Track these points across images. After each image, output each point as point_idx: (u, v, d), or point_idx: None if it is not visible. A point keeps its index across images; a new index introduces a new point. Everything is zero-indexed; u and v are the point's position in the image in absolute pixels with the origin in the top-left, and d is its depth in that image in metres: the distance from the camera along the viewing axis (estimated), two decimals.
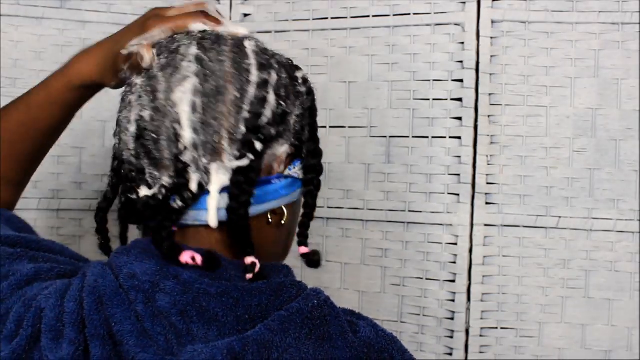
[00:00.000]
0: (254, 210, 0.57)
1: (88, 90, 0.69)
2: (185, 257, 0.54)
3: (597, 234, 0.99)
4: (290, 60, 0.63)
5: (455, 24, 1.03)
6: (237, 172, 0.55)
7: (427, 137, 1.04)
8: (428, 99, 1.04)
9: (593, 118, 0.99)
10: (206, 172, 0.55)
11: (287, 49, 1.10)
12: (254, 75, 0.56)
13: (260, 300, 0.53)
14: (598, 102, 0.99)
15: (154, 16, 0.62)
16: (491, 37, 1.01)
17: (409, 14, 1.05)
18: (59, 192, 1.09)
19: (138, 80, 0.57)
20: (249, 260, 0.56)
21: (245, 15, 1.13)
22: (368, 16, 1.07)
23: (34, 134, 0.70)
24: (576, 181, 1.00)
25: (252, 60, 0.57)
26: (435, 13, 1.04)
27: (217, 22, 0.60)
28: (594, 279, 1.00)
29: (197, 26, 0.59)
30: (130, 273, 0.54)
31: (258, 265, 0.56)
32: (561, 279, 1.00)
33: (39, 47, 1.09)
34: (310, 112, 0.62)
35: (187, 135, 0.54)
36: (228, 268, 0.55)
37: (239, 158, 0.55)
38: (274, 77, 0.57)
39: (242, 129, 0.55)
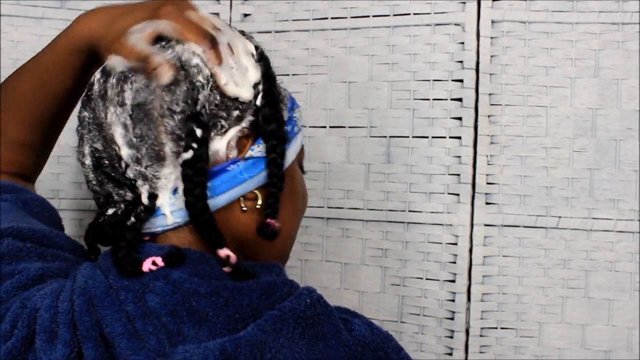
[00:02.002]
0: (218, 201, 0.56)
1: (91, 55, 0.66)
2: (147, 265, 0.53)
3: (597, 234, 0.99)
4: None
5: (455, 24, 1.03)
6: (184, 165, 0.54)
7: (427, 137, 1.04)
8: (428, 99, 1.04)
9: (593, 118, 0.99)
10: (155, 179, 0.55)
11: (287, 49, 1.10)
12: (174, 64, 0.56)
13: (251, 299, 0.52)
14: (598, 102, 0.99)
15: (171, 7, 0.60)
16: (491, 37, 1.01)
17: (409, 14, 1.05)
18: (59, 192, 1.09)
19: (85, 114, 0.59)
20: (222, 253, 0.55)
21: (245, 15, 1.13)
22: (368, 16, 1.07)
23: (46, 98, 0.69)
24: (576, 181, 1.00)
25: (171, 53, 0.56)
26: (435, 13, 1.04)
27: (218, 60, 0.57)
28: (594, 279, 1.00)
29: (190, 50, 0.57)
30: (119, 273, 0.53)
31: (233, 257, 0.55)
32: (561, 279, 1.00)
33: (39, 47, 1.07)
34: (264, 81, 0.59)
35: (125, 152, 0.55)
36: (217, 266, 0.55)
37: (183, 151, 0.55)
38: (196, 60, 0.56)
39: (178, 122, 0.55)
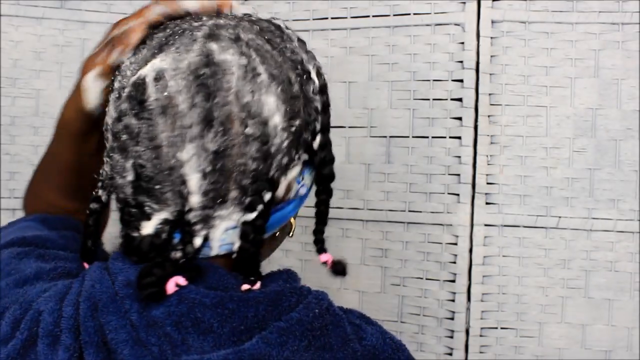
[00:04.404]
0: (263, 237, 0.55)
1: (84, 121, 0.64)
2: (170, 287, 0.51)
3: (597, 234, 0.99)
4: (298, 45, 0.57)
5: (455, 24, 1.03)
6: (244, 224, 0.52)
7: (427, 137, 1.04)
8: (428, 99, 1.04)
9: (593, 118, 0.99)
10: (211, 219, 0.52)
11: None
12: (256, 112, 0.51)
13: (257, 310, 0.51)
14: (598, 102, 0.99)
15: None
16: (491, 37, 1.01)
17: (409, 14, 1.05)
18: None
19: (134, 122, 0.52)
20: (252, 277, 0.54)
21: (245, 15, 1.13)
22: (368, 16, 1.07)
23: (63, 165, 0.67)
24: (576, 181, 1.00)
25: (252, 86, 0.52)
26: (435, 13, 1.04)
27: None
28: (594, 279, 1.00)
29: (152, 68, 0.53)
30: (126, 281, 0.52)
31: (259, 283, 0.53)
32: (561, 279, 1.00)
33: (39, 47, 1.09)
34: (324, 112, 0.58)
35: (194, 199, 0.51)
36: (225, 276, 0.53)
37: (247, 210, 0.52)
38: (279, 104, 0.52)
39: (249, 179, 0.52)
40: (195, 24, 0.55)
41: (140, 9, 0.59)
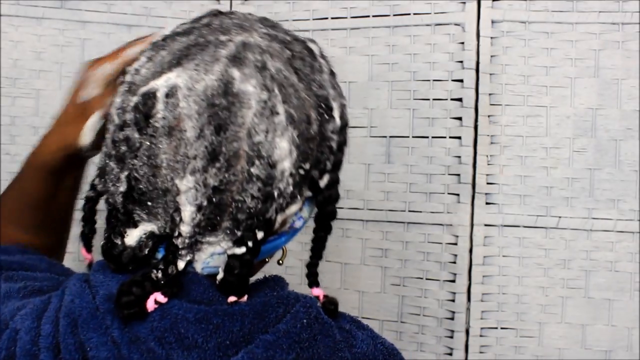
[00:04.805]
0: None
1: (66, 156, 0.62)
2: (150, 305, 0.49)
3: (597, 234, 0.99)
4: (328, 78, 0.54)
5: (455, 24, 1.03)
6: (231, 257, 0.50)
7: (427, 137, 1.04)
8: (428, 99, 1.04)
9: (593, 118, 0.99)
10: (199, 244, 0.51)
11: None
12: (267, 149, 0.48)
13: (243, 324, 0.49)
14: (598, 102, 0.99)
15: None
16: (491, 37, 1.01)
17: (409, 14, 1.05)
18: None
19: (137, 137, 0.50)
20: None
21: None
22: (368, 16, 1.07)
23: (30, 203, 0.65)
24: (576, 181, 1.00)
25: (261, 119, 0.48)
26: (435, 13, 1.04)
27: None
28: (594, 279, 1.00)
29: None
30: (107, 295, 0.50)
31: (245, 298, 0.51)
32: (561, 279, 1.00)
33: (39, 47, 1.09)
34: (339, 151, 0.55)
35: (185, 229, 0.49)
36: (209, 288, 0.51)
37: (235, 245, 0.50)
38: (290, 142, 0.49)
39: (245, 216, 0.49)
40: (222, 37, 0.51)
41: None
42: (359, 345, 0.52)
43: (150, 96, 0.49)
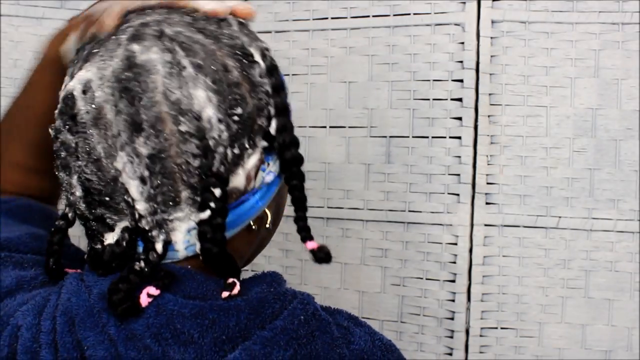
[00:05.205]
0: (231, 232, 0.53)
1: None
2: (144, 299, 0.49)
3: (597, 234, 0.99)
4: (238, 28, 0.54)
5: (455, 24, 1.03)
6: (200, 224, 0.50)
7: (427, 137, 1.04)
8: (428, 99, 1.04)
9: (593, 118, 0.99)
10: (169, 222, 0.50)
11: (287, 49, 1.10)
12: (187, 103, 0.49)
13: (239, 319, 0.49)
14: (598, 102, 0.99)
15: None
16: (491, 37, 1.01)
17: (409, 14, 1.05)
18: None
19: (70, 138, 0.51)
20: (229, 279, 0.52)
21: None
22: (368, 16, 1.07)
23: (35, 119, 0.65)
24: (576, 181, 1.00)
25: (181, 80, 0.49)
26: (435, 13, 1.04)
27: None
28: (594, 279, 1.00)
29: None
30: (101, 294, 0.50)
31: (238, 286, 0.51)
32: (561, 279, 1.00)
33: (39, 47, 1.09)
34: (276, 94, 0.54)
35: (141, 206, 0.50)
36: (204, 283, 0.51)
37: (199, 210, 0.50)
38: (209, 94, 0.49)
39: (195, 177, 0.49)
40: (122, 26, 0.52)
41: None
42: (357, 342, 0.51)
43: (70, 97, 0.51)
